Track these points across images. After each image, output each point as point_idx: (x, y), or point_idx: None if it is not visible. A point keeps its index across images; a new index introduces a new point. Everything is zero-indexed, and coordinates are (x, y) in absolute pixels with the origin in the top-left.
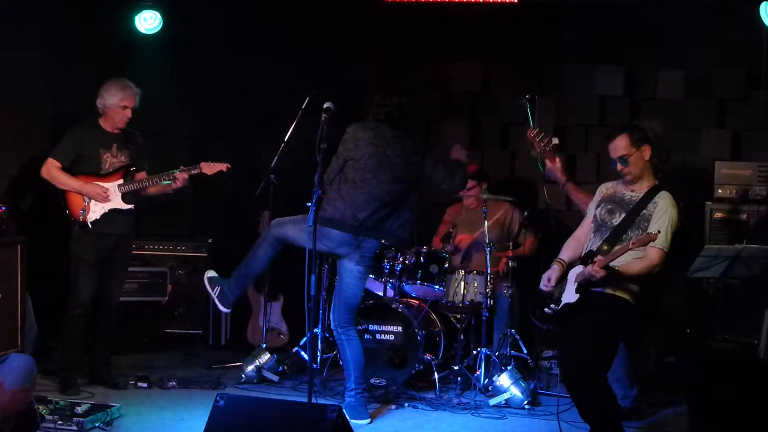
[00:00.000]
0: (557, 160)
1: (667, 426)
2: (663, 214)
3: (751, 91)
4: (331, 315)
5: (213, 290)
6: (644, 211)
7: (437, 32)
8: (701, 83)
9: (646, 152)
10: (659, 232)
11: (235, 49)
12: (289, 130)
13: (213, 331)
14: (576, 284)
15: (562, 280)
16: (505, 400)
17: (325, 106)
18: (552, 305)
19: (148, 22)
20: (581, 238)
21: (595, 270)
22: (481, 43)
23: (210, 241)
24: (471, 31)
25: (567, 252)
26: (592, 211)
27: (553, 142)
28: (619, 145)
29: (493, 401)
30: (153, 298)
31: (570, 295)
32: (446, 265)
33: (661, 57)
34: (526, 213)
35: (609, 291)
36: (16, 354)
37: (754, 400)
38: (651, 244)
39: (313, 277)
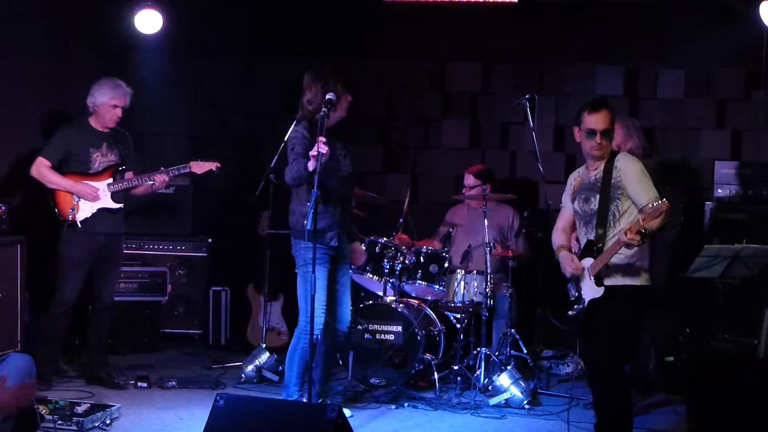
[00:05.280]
0: None
1: (666, 426)
2: (631, 174)
3: (751, 91)
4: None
5: None
6: (612, 181)
7: (437, 32)
8: (701, 83)
9: (615, 132)
10: (660, 199)
11: (235, 49)
12: (288, 130)
13: (213, 331)
14: (593, 278)
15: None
16: (505, 400)
17: (327, 97)
18: (575, 306)
19: (148, 22)
20: (566, 229)
21: (632, 237)
22: (481, 43)
23: (210, 241)
24: (471, 31)
25: (559, 242)
26: (567, 203)
27: None
28: (606, 119)
29: (492, 401)
30: (153, 298)
31: (592, 290)
32: (446, 265)
33: (661, 57)
34: (525, 213)
35: (625, 282)
36: (15, 354)
37: (754, 400)
38: (646, 203)
39: (313, 277)
